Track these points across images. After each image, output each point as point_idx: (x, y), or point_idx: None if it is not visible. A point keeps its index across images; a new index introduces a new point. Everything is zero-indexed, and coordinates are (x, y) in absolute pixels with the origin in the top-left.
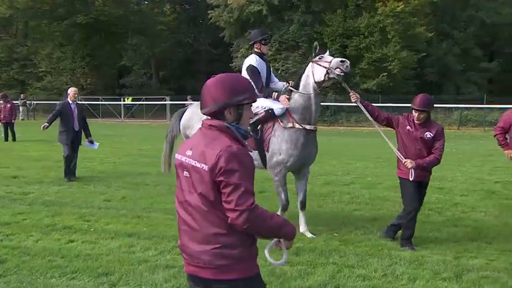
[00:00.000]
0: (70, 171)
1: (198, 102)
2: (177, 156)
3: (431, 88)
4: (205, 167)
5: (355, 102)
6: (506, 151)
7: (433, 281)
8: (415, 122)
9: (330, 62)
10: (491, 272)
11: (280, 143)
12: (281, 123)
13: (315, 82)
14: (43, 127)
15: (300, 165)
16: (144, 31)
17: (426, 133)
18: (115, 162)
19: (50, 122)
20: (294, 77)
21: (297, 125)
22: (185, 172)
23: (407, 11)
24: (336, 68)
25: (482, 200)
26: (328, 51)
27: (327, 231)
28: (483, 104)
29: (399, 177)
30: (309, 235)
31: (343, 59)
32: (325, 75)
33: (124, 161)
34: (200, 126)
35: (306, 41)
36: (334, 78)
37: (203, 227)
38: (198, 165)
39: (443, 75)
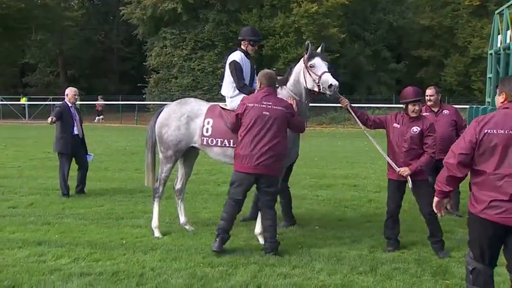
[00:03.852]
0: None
1: (176, 102)
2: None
3: (344, 88)
4: None
5: (346, 107)
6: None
7: (351, 275)
8: (410, 115)
9: (320, 76)
10: (402, 263)
11: None
12: None
13: (307, 88)
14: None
15: (291, 163)
16: (50, 27)
17: (413, 128)
18: (20, 167)
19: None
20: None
21: None
22: None
23: (320, 12)
24: (322, 87)
25: None
26: (319, 52)
27: (246, 231)
28: (392, 104)
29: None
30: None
31: (331, 83)
32: (315, 87)
33: (30, 165)
34: (178, 124)
35: (221, 40)
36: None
37: None
38: None
39: (356, 76)
